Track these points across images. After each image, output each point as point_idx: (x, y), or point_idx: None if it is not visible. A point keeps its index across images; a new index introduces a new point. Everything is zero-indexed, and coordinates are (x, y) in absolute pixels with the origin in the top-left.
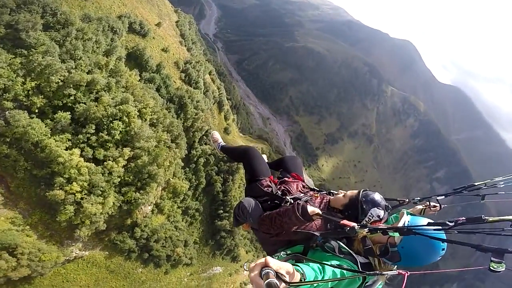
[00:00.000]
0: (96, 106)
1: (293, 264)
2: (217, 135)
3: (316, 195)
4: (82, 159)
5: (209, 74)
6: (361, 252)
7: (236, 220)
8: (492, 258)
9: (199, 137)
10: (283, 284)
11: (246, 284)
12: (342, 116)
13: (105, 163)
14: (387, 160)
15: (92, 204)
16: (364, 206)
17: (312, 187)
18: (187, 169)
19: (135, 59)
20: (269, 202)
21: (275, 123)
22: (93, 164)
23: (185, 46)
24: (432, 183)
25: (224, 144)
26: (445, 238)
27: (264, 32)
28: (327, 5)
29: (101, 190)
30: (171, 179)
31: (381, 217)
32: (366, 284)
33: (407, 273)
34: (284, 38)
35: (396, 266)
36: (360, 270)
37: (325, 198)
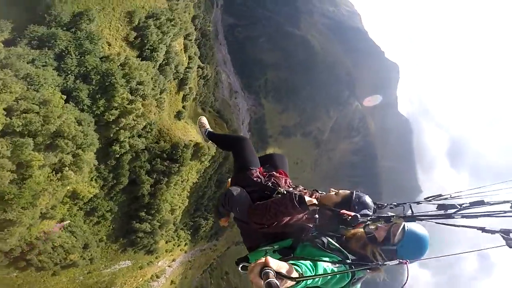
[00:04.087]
0: None
1: (292, 264)
2: (204, 120)
3: (305, 191)
4: None
5: (184, 38)
6: (357, 250)
7: (219, 212)
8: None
9: (125, 137)
10: (283, 284)
11: (158, 277)
12: (303, 114)
13: None
14: (324, 167)
15: None
16: (356, 207)
17: (297, 186)
18: (102, 166)
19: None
20: (258, 193)
21: (241, 98)
22: None
23: None
24: None
25: (211, 130)
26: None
27: (271, 7)
28: (346, 6)
29: None
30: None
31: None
32: (354, 280)
33: (408, 261)
34: (288, 21)
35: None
36: (358, 263)
37: (314, 195)
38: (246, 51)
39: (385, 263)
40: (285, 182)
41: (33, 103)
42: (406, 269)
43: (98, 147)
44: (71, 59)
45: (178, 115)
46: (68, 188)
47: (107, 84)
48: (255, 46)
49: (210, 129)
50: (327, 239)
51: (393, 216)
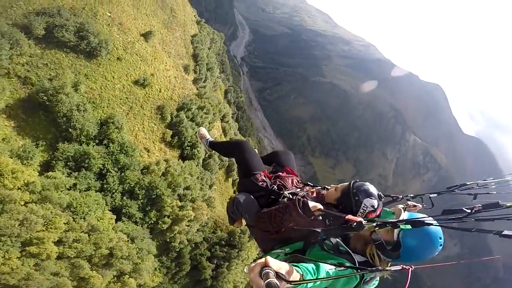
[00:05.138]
0: None
1: (292, 264)
2: (204, 131)
3: (312, 190)
4: None
5: (221, 121)
6: (358, 250)
7: (230, 218)
8: None
9: (181, 240)
10: (283, 284)
11: None
12: (359, 163)
13: None
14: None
15: None
16: (357, 198)
17: (307, 182)
18: (164, 257)
19: (45, 110)
20: (265, 198)
21: None
22: None
23: (195, 72)
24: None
25: (213, 139)
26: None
27: (291, 62)
28: (359, 42)
29: None
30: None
31: (375, 206)
32: (365, 280)
33: (411, 267)
34: (311, 71)
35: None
36: (360, 267)
37: (320, 193)
38: (281, 112)
39: (387, 268)
40: (292, 183)
41: (81, 232)
42: (408, 275)
43: (157, 246)
44: (112, 177)
45: None
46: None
47: (153, 196)
48: (289, 104)
49: (211, 139)
50: (337, 241)
51: (401, 221)
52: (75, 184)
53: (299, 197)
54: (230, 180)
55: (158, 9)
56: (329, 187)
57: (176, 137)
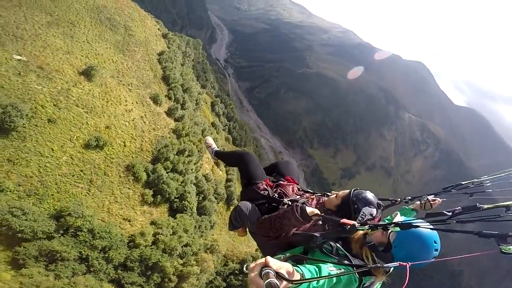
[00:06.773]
0: None
1: (292, 265)
2: (210, 140)
3: (312, 197)
4: None
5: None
6: (358, 254)
7: (232, 225)
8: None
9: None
10: (284, 284)
11: None
12: (358, 148)
13: None
14: (406, 193)
15: None
16: (356, 205)
17: (307, 190)
18: None
19: None
20: (266, 205)
21: (287, 157)
22: None
23: (169, 99)
24: None
25: (218, 149)
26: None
27: (274, 57)
28: (336, 28)
29: None
30: None
31: (373, 215)
32: (364, 285)
33: (408, 264)
34: (296, 64)
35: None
36: (357, 264)
37: (321, 200)
38: (274, 108)
39: (385, 265)
40: (293, 190)
41: None
42: (407, 272)
43: None
44: (96, 259)
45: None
46: None
47: (150, 264)
48: (280, 100)
49: (217, 148)
50: (336, 245)
51: (390, 224)
52: (58, 275)
53: (297, 204)
54: (232, 208)
55: (105, 31)
56: (329, 194)
57: (159, 195)
